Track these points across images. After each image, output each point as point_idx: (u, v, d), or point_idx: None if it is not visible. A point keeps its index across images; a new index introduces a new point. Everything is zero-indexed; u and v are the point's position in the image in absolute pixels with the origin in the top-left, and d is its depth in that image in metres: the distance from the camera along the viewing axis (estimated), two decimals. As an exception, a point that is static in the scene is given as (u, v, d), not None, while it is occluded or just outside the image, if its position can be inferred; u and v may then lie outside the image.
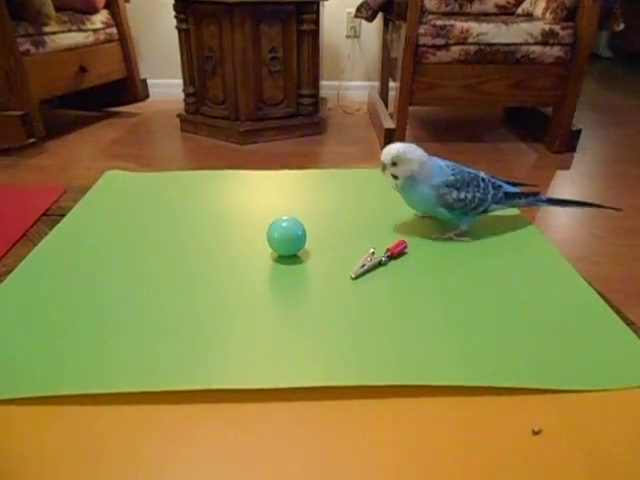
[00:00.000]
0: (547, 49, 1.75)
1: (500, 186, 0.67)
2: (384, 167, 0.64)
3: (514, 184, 0.70)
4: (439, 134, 2.22)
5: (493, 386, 0.42)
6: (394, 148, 0.63)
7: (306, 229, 0.59)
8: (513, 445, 0.37)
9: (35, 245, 0.61)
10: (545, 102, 1.89)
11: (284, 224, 0.58)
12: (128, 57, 2.37)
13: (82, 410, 0.39)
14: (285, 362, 0.44)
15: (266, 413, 0.40)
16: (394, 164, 0.63)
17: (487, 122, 2.40)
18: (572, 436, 0.38)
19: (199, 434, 0.38)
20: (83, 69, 2.08)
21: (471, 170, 0.66)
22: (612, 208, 0.71)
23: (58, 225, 0.66)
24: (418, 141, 2.09)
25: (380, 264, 0.58)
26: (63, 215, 0.69)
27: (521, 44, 1.74)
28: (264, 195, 0.77)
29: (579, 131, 1.93)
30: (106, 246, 0.61)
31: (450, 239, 0.65)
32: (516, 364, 0.44)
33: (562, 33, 1.73)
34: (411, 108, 1.91)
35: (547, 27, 1.73)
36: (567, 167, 1.83)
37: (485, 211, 0.66)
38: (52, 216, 0.70)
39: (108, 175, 0.82)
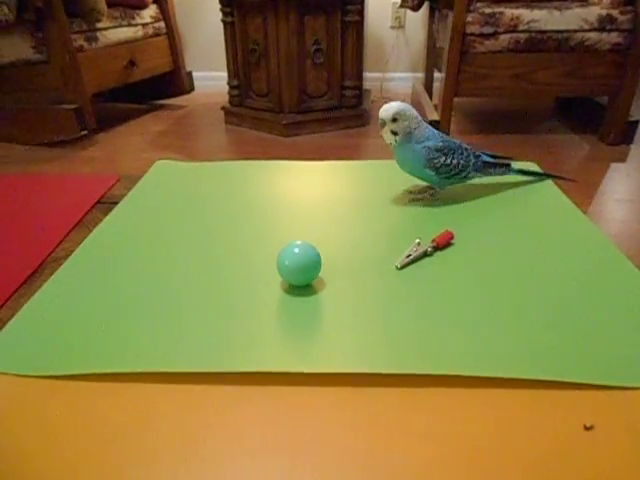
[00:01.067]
0: (604, 35, 1.67)
1: (479, 155, 0.72)
2: (383, 124, 0.67)
3: (491, 155, 0.74)
4: (485, 126, 2.16)
5: (543, 379, 0.41)
6: (394, 105, 0.67)
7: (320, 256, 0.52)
8: (564, 439, 0.36)
9: (90, 231, 0.64)
10: (600, 91, 1.80)
11: (296, 250, 0.51)
12: (175, 50, 2.43)
13: (132, 387, 0.41)
14: (329, 348, 0.44)
15: (307, 398, 0.40)
16: (394, 120, 0.66)
17: (537, 113, 2.32)
18: (627, 433, 0.36)
19: (240, 415, 0.38)
20: (132, 63, 2.15)
21: (455, 140, 0.71)
22: (569, 179, 0.78)
23: (112, 212, 0.68)
24: (463, 134, 2.04)
25: (426, 254, 0.58)
26: (116, 202, 0.71)
27: (575, 31, 1.67)
28: (306, 185, 0.77)
29: (636, 122, 1.83)
30: (156, 233, 0.63)
31: (425, 199, 0.72)
32: (569, 358, 0.43)
33: (621, 18, 1.64)
34: (456, 100, 1.87)
35: (604, 12, 1.65)
36: (622, 160, 1.74)
37: (465, 177, 0.72)
38: (106, 203, 0.73)
39: (158, 165, 0.84)
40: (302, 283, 0.52)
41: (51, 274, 0.55)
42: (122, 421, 0.38)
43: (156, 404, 0.39)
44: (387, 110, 0.66)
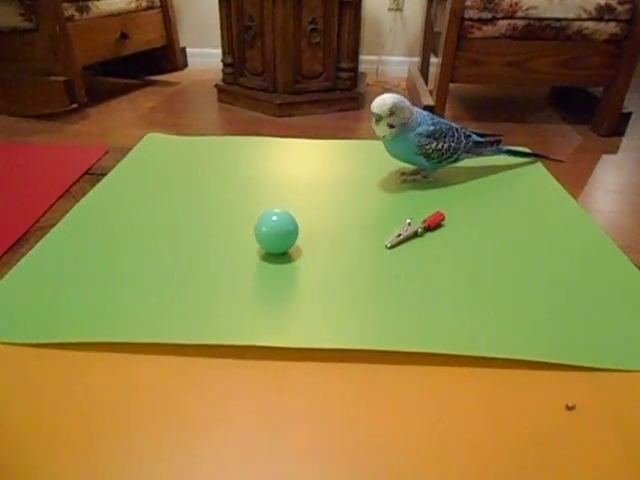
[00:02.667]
0: (601, 25, 1.66)
1: (470, 135, 0.72)
2: (380, 118, 0.65)
3: (481, 135, 0.74)
4: (479, 113, 2.15)
5: (528, 360, 0.41)
6: (389, 98, 0.65)
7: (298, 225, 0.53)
8: (546, 418, 0.36)
9: (77, 201, 0.63)
10: (595, 82, 1.80)
11: (274, 217, 0.51)
12: (168, 25, 2.37)
13: (114, 357, 0.41)
14: (319, 324, 0.44)
15: (299, 372, 0.40)
16: (391, 114, 0.64)
17: (531, 102, 2.32)
18: (607, 414, 0.37)
19: (232, 387, 0.38)
20: (124, 36, 2.10)
21: (445, 121, 0.70)
22: (556, 160, 0.80)
23: (99, 183, 0.67)
24: (457, 120, 2.04)
25: (416, 235, 0.58)
26: (104, 174, 0.70)
27: (574, 19, 1.65)
28: (298, 162, 0.77)
29: (629, 114, 1.84)
30: (143, 204, 0.62)
31: (417, 181, 0.71)
32: (553, 339, 0.43)
33: (619, 8, 1.63)
34: (452, 85, 1.85)
35: (603, 1, 1.63)
36: (614, 151, 1.75)
37: (457, 160, 0.71)
38: (94, 174, 0.72)
39: (148, 138, 0.83)
40: (279, 251, 0.53)
41: (36, 243, 0.54)
42: (104, 390, 0.38)
43: (138, 374, 0.39)
44: (382, 105, 0.64)
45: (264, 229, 0.51)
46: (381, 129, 0.66)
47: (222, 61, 2.14)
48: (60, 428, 0.35)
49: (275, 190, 0.67)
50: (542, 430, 0.36)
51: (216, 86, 2.19)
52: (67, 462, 0.32)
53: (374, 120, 0.66)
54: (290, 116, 2.02)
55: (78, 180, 0.70)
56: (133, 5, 2.13)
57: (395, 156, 0.70)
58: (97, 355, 0.41)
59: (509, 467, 0.33)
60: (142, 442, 0.34)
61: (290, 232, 0.52)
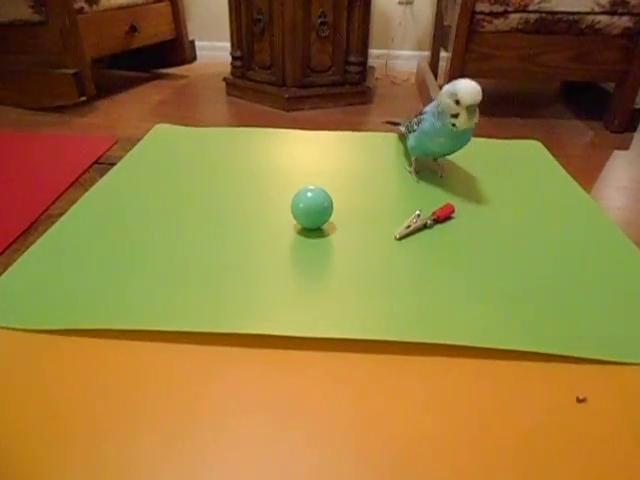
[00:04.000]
0: (615, 19, 1.63)
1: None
2: (475, 107, 0.58)
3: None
4: (489, 108, 2.14)
5: (538, 352, 0.40)
6: (472, 82, 0.58)
7: (332, 200, 0.56)
8: (555, 410, 0.36)
9: (86, 190, 0.63)
10: (608, 77, 1.78)
11: (309, 194, 0.55)
12: (177, 18, 2.37)
13: (125, 345, 0.41)
14: (326, 314, 0.44)
15: (304, 361, 0.40)
16: None
17: (542, 97, 2.29)
18: (617, 407, 0.36)
19: (232, 375, 0.38)
20: (134, 28, 2.10)
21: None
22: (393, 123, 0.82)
23: (108, 173, 0.67)
24: (467, 114, 2.02)
25: (425, 227, 0.57)
26: (113, 164, 0.70)
27: (587, 13, 1.63)
28: (307, 153, 0.76)
29: (642, 110, 1.81)
30: (151, 194, 0.62)
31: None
32: (564, 331, 0.42)
33: (633, 2, 1.61)
34: (462, 80, 1.84)
35: (616, -5, 1.61)
36: (625, 147, 1.73)
37: None
38: (103, 164, 0.72)
39: (158, 128, 0.83)
40: (314, 225, 0.56)
41: (45, 231, 0.54)
42: (114, 378, 0.38)
43: (149, 362, 0.39)
44: (479, 92, 0.58)
45: (301, 205, 0.54)
46: (473, 119, 0.59)
47: (231, 54, 2.13)
48: (68, 415, 0.35)
49: (285, 179, 0.67)
50: (552, 422, 0.35)
51: (224, 79, 2.18)
52: (73, 449, 0.32)
53: (468, 112, 0.58)
54: (298, 110, 2.01)
55: (87, 170, 0.70)
56: (142, -2, 2.13)
57: (453, 147, 0.63)
58: (106, 342, 0.41)
59: (519, 459, 0.33)
60: (155, 430, 0.34)
61: (325, 209, 0.55)
